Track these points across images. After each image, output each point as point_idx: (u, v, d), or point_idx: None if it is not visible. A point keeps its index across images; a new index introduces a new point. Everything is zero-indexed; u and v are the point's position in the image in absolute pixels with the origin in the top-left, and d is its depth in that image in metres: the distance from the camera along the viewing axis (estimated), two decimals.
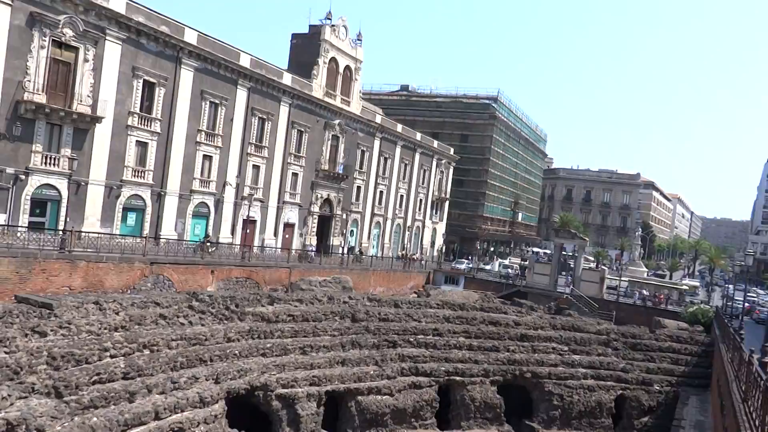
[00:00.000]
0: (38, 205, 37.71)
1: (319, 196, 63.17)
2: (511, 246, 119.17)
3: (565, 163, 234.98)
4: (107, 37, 39.81)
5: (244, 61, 51.31)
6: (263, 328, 26.79)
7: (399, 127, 76.98)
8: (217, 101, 49.21)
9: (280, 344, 26.75)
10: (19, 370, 17.47)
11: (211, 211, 50.49)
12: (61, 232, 30.61)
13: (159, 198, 45.40)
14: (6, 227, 33.85)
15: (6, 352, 17.69)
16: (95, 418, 18.05)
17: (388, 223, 77.72)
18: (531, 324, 36.87)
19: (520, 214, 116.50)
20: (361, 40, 66.78)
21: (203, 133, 48.35)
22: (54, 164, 37.90)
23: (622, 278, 68.81)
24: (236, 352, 24.75)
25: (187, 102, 46.43)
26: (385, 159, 74.64)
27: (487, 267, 78.03)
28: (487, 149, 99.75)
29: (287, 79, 56.43)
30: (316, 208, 62.89)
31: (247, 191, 53.63)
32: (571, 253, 66.13)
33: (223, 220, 51.63)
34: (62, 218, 38.66)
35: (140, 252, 32.02)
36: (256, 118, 53.57)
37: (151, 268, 31.65)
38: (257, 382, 24.46)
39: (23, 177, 36.26)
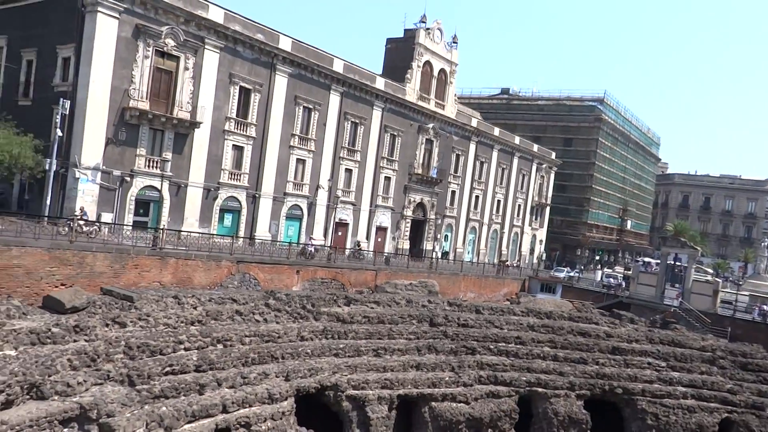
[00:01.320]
0: (142, 205, 40.15)
1: (412, 200, 62.98)
2: (619, 255, 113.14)
3: (681, 168, 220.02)
4: (206, 46, 41.74)
5: (337, 66, 52.15)
6: (337, 329, 26.86)
7: (496, 131, 75.33)
8: (310, 106, 50.31)
9: (354, 345, 26.69)
10: (96, 357, 18.47)
11: (304, 214, 51.65)
12: (153, 230, 32.32)
13: (254, 200, 46.99)
14: (113, 225, 36.41)
15: (86, 340, 18.76)
16: (164, 408, 18.72)
17: (484, 228, 76.19)
18: (624, 336, 34.51)
19: (629, 222, 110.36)
20: (456, 43, 66.02)
21: (297, 137, 49.57)
22: (156, 167, 40.19)
23: (742, 292, 63.10)
24: (308, 351, 24.96)
25: (282, 107, 47.79)
26: (481, 163, 73.25)
27: (591, 276, 74.47)
28: (592, 153, 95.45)
29: (380, 83, 56.76)
30: (408, 212, 62.75)
31: (339, 194, 54.47)
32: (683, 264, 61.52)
33: (315, 223, 52.65)
34: (164, 218, 41.04)
35: (228, 251, 33.15)
36: (349, 122, 54.26)
37: (237, 266, 32.72)
38: (328, 381, 24.51)
39: (128, 179, 38.71)
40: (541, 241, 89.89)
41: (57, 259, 25.39)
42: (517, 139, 79.75)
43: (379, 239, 60.00)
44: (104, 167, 37.42)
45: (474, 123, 70.79)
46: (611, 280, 66.36)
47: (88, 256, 26.38)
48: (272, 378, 22.78)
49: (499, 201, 78.15)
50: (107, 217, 37.34)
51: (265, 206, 48.03)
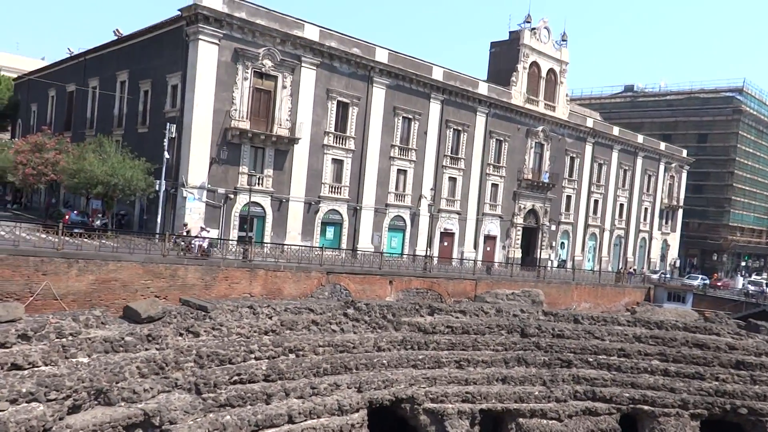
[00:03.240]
0: (246, 221, 41.88)
1: (523, 206, 60.60)
2: None
3: None
4: (302, 64, 42.95)
5: (437, 75, 51.58)
6: (417, 339, 26.06)
7: (615, 130, 70.72)
8: (410, 116, 50.12)
9: (434, 356, 25.74)
10: (165, 365, 19.18)
11: (407, 224, 51.37)
12: (243, 243, 33.46)
13: (355, 212, 47.46)
14: (221, 240, 38.25)
15: (157, 349, 19.57)
16: (228, 416, 19.02)
17: (606, 234, 71.56)
18: (752, 349, 30.39)
19: None
20: (566, 41, 63.04)
21: (397, 147, 49.52)
22: (258, 183, 41.80)
23: None
24: (384, 361, 24.41)
25: (380, 118, 48.00)
26: (600, 165, 69.03)
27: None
28: (732, 149, 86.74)
29: (483, 88, 55.39)
30: (519, 220, 60.43)
31: (443, 204, 53.65)
32: None
33: (419, 233, 52.16)
34: (267, 232, 42.59)
35: (317, 262, 33.54)
36: (451, 130, 53.38)
37: (327, 277, 32.98)
38: (403, 394, 23.78)
39: (232, 196, 40.56)
40: (673, 246, 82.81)
41: (150, 272, 26.96)
42: (640, 138, 74.35)
43: (488, 248, 58.26)
44: (209, 186, 39.50)
45: (590, 123, 66.97)
46: (752, 287, 59.46)
47: (179, 269, 27.78)
48: (344, 389, 22.50)
49: (621, 204, 73.13)
50: (213, 234, 39.30)
51: (367, 218, 48.31)
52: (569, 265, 63.85)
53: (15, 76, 68.14)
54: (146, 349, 19.38)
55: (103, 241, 30.20)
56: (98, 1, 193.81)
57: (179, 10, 38.75)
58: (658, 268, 75.84)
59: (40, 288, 24.20)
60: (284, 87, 42.23)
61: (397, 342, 25.64)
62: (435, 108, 51.86)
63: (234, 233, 40.40)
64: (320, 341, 23.40)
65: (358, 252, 44.48)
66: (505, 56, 59.94)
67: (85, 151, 38.89)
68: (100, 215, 41.32)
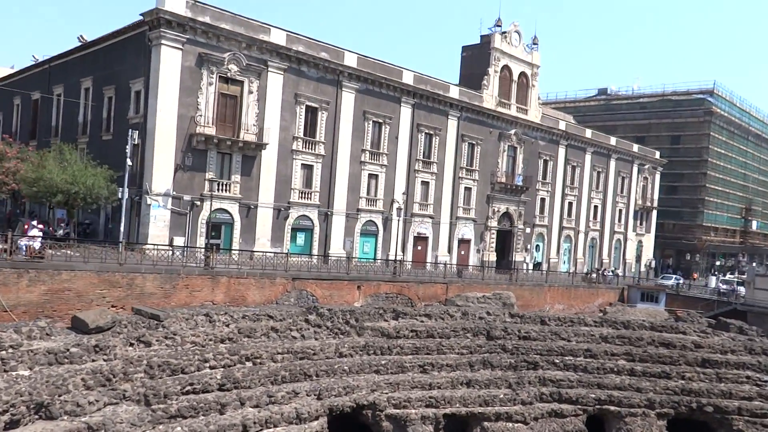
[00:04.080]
0: (213, 228, 41.22)
1: (497, 210, 60.55)
2: (744, 259, 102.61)
3: None
4: (269, 69, 42.47)
5: (407, 79, 51.40)
6: (381, 344, 25.66)
7: (588, 133, 71.10)
8: (380, 120, 49.84)
9: (397, 361, 25.35)
10: (112, 377, 18.58)
11: (380, 229, 51.00)
12: (203, 250, 32.82)
13: (326, 218, 46.99)
14: (186, 248, 37.52)
15: (104, 360, 18.96)
16: (179, 428, 18.46)
17: (581, 236, 71.80)
18: (718, 347, 30.40)
19: (754, 222, 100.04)
20: (537, 44, 63.27)
21: (368, 152, 49.19)
22: (225, 190, 41.19)
23: None
24: (345, 368, 23.96)
25: (350, 123, 47.65)
26: (573, 167, 69.29)
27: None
28: (704, 150, 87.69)
29: (454, 92, 55.32)
30: (493, 223, 60.36)
31: (416, 208, 53.39)
32: None
33: (392, 238, 51.79)
34: (236, 239, 41.95)
35: (282, 268, 33.03)
36: (423, 134, 53.19)
37: (293, 283, 32.46)
38: (365, 400, 23.34)
39: (198, 203, 39.89)
40: (648, 247, 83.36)
41: (106, 281, 26.28)
42: (613, 140, 74.83)
43: (463, 252, 58.09)
44: (174, 193, 38.80)
45: (562, 126, 67.23)
46: (724, 286, 59.90)
47: (137, 277, 27.11)
48: (303, 397, 22.01)
49: (596, 206, 73.47)
50: (179, 241, 38.61)
51: (338, 223, 47.88)
52: (545, 267, 63.95)
53: None
54: (93, 361, 18.76)
55: (66, 251, 29.41)
56: (66, 8, 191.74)
57: (141, 14, 38.17)
58: (633, 270, 76.22)
59: None
60: (251, 92, 41.73)
61: (359, 347, 25.21)
62: (406, 112, 51.65)
63: (201, 240, 39.74)
64: (279, 348, 22.91)
65: (330, 258, 44.01)
66: (476, 60, 59.99)
67: (45, 159, 38.02)
68: (63, 224, 40.47)
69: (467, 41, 62.63)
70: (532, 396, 26.85)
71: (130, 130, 37.82)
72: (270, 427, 20.39)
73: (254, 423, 20.11)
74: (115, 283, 26.59)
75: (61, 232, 39.44)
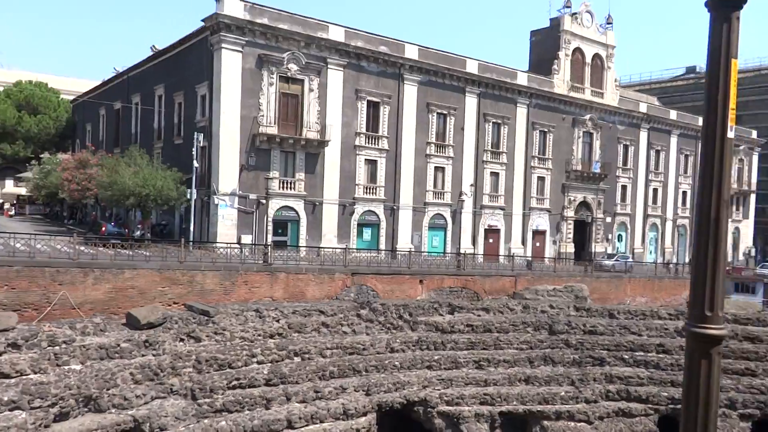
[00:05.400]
0: (280, 225, 41.91)
1: (573, 199, 58.10)
2: None
3: None
4: (329, 66, 42.62)
5: (471, 68, 50.22)
6: (434, 339, 24.99)
7: (673, 114, 66.88)
8: (444, 112, 48.96)
9: (451, 356, 24.58)
10: (159, 372, 19.03)
11: (448, 223, 50.16)
12: (263, 247, 33.23)
13: (392, 212, 46.68)
14: (253, 246, 38.35)
15: (153, 355, 19.45)
16: (223, 422, 18.65)
17: (668, 224, 67.67)
18: None
19: None
20: (611, 23, 60.18)
21: (433, 145, 48.47)
22: (290, 188, 41.74)
23: None
24: (396, 363, 23.48)
25: (413, 116, 47.09)
26: (657, 152, 65.41)
27: None
28: None
29: (522, 78, 53.53)
30: (569, 213, 57.97)
31: (486, 200, 52.12)
32: None
33: (462, 231, 50.83)
34: (302, 236, 42.44)
35: (341, 263, 32.95)
36: (490, 123, 51.82)
37: (353, 278, 32.31)
38: (416, 396, 22.77)
39: (264, 201, 40.63)
40: (746, 234, 77.48)
41: (168, 279, 27.11)
42: (700, 121, 69.84)
43: (537, 244, 56.17)
44: (240, 192, 39.70)
45: (643, 108, 63.57)
46: None
47: (197, 274, 27.79)
48: (350, 392, 21.74)
49: (684, 192, 69.03)
50: (247, 239, 39.47)
51: (405, 218, 47.45)
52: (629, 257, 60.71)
53: (72, 98, 71.40)
54: (142, 355, 19.32)
55: (128, 251, 30.54)
56: (145, 19, 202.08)
57: (202, 20, 39.27)
58: (730, 259, 71.03)
59: (57, 298, 24.70)
60: (311, 90, 42.02)
61: (411, 342, 24.66)
62: (471, 102, 50.45)
63: (268, 238, 40.43)
64: (328, 343, 22.77)
65: (398, 252, 43.64)
66: (545, 44, 57.77)
67: (118, 164, 39.91)
68: (138, 226, 42.42)
69: (536, 26, 60.38)
70: (597, 394, 25.32)
71: (196, 133, 39.11)
72: (316, 423, 20.26)
73: (299, 418, 20.05)
74: (176, 281, 27.38)
75: (138, 233, 41.37)
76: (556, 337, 26.99)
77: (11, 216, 61.15)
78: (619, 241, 63.27)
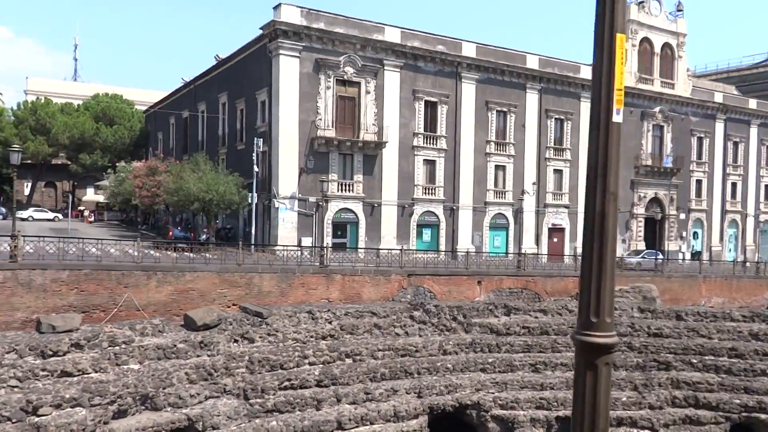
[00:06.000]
0: (339, 227, 42.31)
1: (643, 195, 55.81)
2: None
3: None
4: (385, 67, 42.70)
5: (532, 63, 49.12)
6: (489, 341, 24.47)
7: (752, 103, 63.12)
8: (504, 109, 48.12)
9: (506, 359, 23.99)
10: (213, 372, 19.53)
11: (510, 222, 49.25)
12: (319, 249, 33.48)
13: (452, 213, 46.26)
14: (312, 248, 38.89)
15: (208, 355, 19.98)
16: (274, 422, 18.91)
17: (749, 220, 63.89)
18: None
19: None
20: (681, 11, 57.38)
21: (492, 143, 47.73)
22: (349, 190, 42.08)
23: None
24: (449, 365, 23.14)
25: (472, 115, 46.51)
26: (735, 144, 61.91)
27: None
28: None
29: (586, 72, 51.75)
30: (639, 210, 55.70)
31: (550, 198, 50.85)
32: None
33: (524, 231, 49.79)
34: (361, 238, 42.69)
35: (397, 264, 32.84)
36: (552, 119, 50.54)
37: (409, 279, 32.16)
38: (468, 399, 22.35)
39: (323, 203, 41.10)
40: None
41: (226, 281, 27.83)
42: None
43: None
44: (300, 195, 40.33)
45: (719, 98, 60.33)
46: None
47: (254, 277, 28.38)
48: (402, 394, 21.58)
49: (767, 186, 64.97)
50: (307, 242, 40.05)
51: (465, 218, 46.93)
52: (705, 256, 57.76)
53: (145, 108, 74.72)
54: (198, 356, 19.88)
55: (203, 254, 31.47)
56: (211, 29, 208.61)
57: (260, 28, 40.16)
58: None
59: (123, 300, 25.80)
60: (368, 92, 42.21)
61: (465, 345, 24.26)
62: (532, 98, 49.35)
63: (328, 240, 40.86)
64: (380, 345, 22.73)
65: (458, 253, 43.19)
66: None
67: (183, 171, 41.34)
68: (204, 230, 43.82)
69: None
70: (663, 400, 24.07)
71: (256, 138, 40.06)
72: (366, 425, 20.24)
73: (350, 420, 20.08)
74: (234, 283, 28.06)
75: (204, 237, 42.75)
76: (618, 340, 25.88)
77: (91, 222, 64.57)
78: (694, 238, 60.29)
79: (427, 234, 45.86)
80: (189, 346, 19.93)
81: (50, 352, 17.57)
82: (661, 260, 44.87)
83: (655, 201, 56.91)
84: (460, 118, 45.90)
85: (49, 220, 59.83)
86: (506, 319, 25.90)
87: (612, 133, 3.59)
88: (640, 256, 47.09)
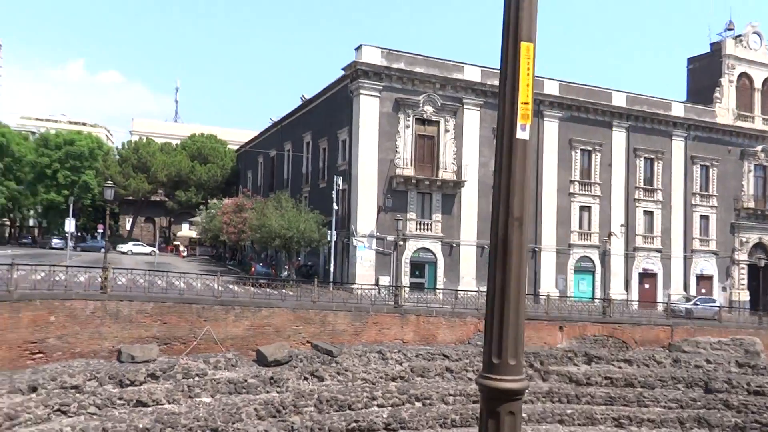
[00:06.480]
0: (417, 267, 42.01)
1: (745, 240, 52.15)
2: None
3: None
4: (465, 106, 42.66)
5: (619, 100, 47.65)
6: (567, 391, 23.16)
7: None
8: (589, 148, 46.73)
9: (586, 411, 22.55)
10: (282, 409, 19.52)
11: (597, 266, 47.22)
12: (394, 288, 33.16)
13: (533, 254, 44.90)
14: (390, 287, 38.77)
15: (278, 392, 20.04)
16: None
17: None
18: None
19: None
20: None
21: (576, 183, 46.31)
22: (427, 229, 41.84)
23: None
24: (525, 415, 21.97)
25: (554, 153, 45.46)
26: None
27: None
28: None
29: (678, 109, 49.71)
30: (741, 256, 52.01)
31: (640, 241, 48.46)
32: None
33: (612, 275, 47.56)
34: (439, 278, 42.14)
35: (473, 306, 32.00)
36: (641, 158, 48.51)
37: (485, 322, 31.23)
38: None
39: (401, 242, 40.99)
40: None
41: (301, 318, 28.06)
42: None
43: (703, 290, 50.80)
44: (378, 233, 40.46)
45: None
46: None
47: (329, 314, 28.45)
48: None
49: None
50: (384, 281, 39.96)
51: (547, 260, 45.43)
52: None
53: (236, 147, 78.24)
54: (267, 392, 19.98)
55: (282, 290, 32.06)
56: (301, 73, 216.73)
57: (342, 68, 41.24)
58: None
59: (202, 333, 26.50)
60: (447, 130, 42.21)
61: (542, 393, 23.09)
62: (619, 137, 47.67)
63: (406, 280, 40.58)
64: (452, 390, 22.01)
65: (540, 296, 41.73)
66: (705, 71, 53.31)
67: (266, 208, 42.56)
68: (285, 266, 44.73)
69: (694, 52, 56.00)
70: None
71: (336, 176, 40.78)
72: None
73: None
74: (309, 320, 28.23)
75: (285, 273, 43.64)
76: (713, 396, 23.83)
77: (184, 257, 67.62)
78: None
79: None
80: (259, 382, 20.09)
81: (128, 382, 18.19)
82: (717, 308, 41.23)
83: (760, 246, 52.98)
84: (541, 157, 44.92)
85: (146, 254, 63.05)
86: (587, 368, 24.50)
87: (516, 152, 3.21)
88: (692, 303, 43.43)
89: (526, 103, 3.18)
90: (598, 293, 46.12)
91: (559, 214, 45.58)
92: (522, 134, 3.17)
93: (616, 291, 46.47)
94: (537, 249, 44.80)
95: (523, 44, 3.11)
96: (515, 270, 3.12)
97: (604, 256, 47.12)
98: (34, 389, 16.52)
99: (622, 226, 47.49)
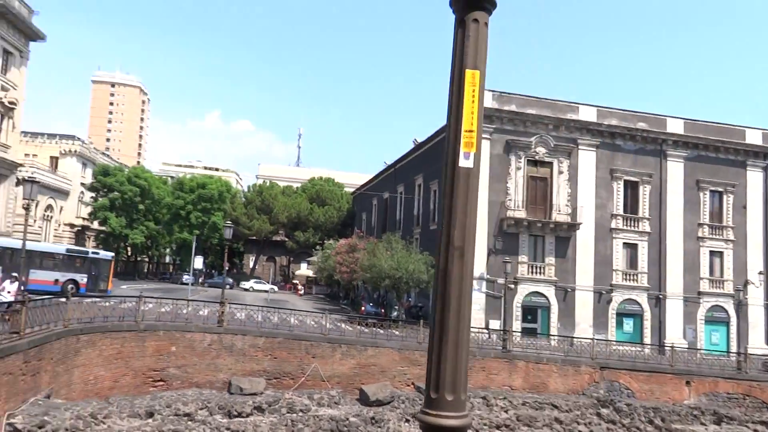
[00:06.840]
0: (529, 311, 40.71)
1: None
2: None
3: None
4: (579, 147, 41.43)
5: (753, 138, 44.22)
6: None
7: None
8: (720, 189, 43.52)
9: None
10: None
11: (731, 316, 43.32)
12: (502, 332, 32.12)
13: (658, 302, 42.12)
14: (500, 332, 37.86)
15: None
16: None
17: None
18: None
19: None
20: None
21: (706, 226, 43.13)
22: (539, 273, 40.59)
23: None
24: None
25: (680, 195, 42.77)
26: None
27: None
28: None
29: None
30: None
31: None
32: None
33: (750, 327, 43.41)
34: (553, 324, 40.54)
35: (588, 355, 30.33)
36: None
37: (601, 372, 29.49)
38: None
39: (512, 286, 40.05)
40: None
41: (406, 359, 27.99)
42: None
43: None
44: (488, 276, 39.79)
45: None
46: None
47: None
48: None
49: None
50: (495, 325, 39.06)
51: (674, 309, 42.32)
52: None
53: (353, 190, 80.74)
54: (367, 431, 19.95)
55: (390, 331, 32.31)
56: (415, 118, 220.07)
57: None
58: None
59: (310, 369, 27.17)
60: (560, 172, 41.09)
61: None
62: (755, 177, 44.03)
63: (517, 324, 39.45)
64: None
65: (665, 347, 38.85)
66: None
67: (377, 249, 43.27)
68: (395, 306, 44.98)
69: None
70: None
71: None
72: None
73: None
74: (414, 361, 28.11)
75: (395, 313, 43.88)
76: None
77: (301, 295, 70.06)
78: None
79: (628, 324, 42.06)
80: (361, 421, 20.14)
81: (236, 413, 18.93)
82: None
83: None
84: (665, 199, 42.41)
85: (265, 291, 66.00)
86: (715, 429, 22.26)
87: (458, 180, 3.08)
88: None
89: (470, 131, 3.14)
90: (733, 346, 42.19)
91: (686, 260, 42.53)
92: (465, 162, 3.14)
93: (756, 345, 42.28)
94: (661, 296, 41.96)
95: (468, 71, 3.11)
96: (455, 302, 3.02)
97: (740, 306, 43.17)
98: (151, 415, 17.64)
99: (760, 273, 43.42)
